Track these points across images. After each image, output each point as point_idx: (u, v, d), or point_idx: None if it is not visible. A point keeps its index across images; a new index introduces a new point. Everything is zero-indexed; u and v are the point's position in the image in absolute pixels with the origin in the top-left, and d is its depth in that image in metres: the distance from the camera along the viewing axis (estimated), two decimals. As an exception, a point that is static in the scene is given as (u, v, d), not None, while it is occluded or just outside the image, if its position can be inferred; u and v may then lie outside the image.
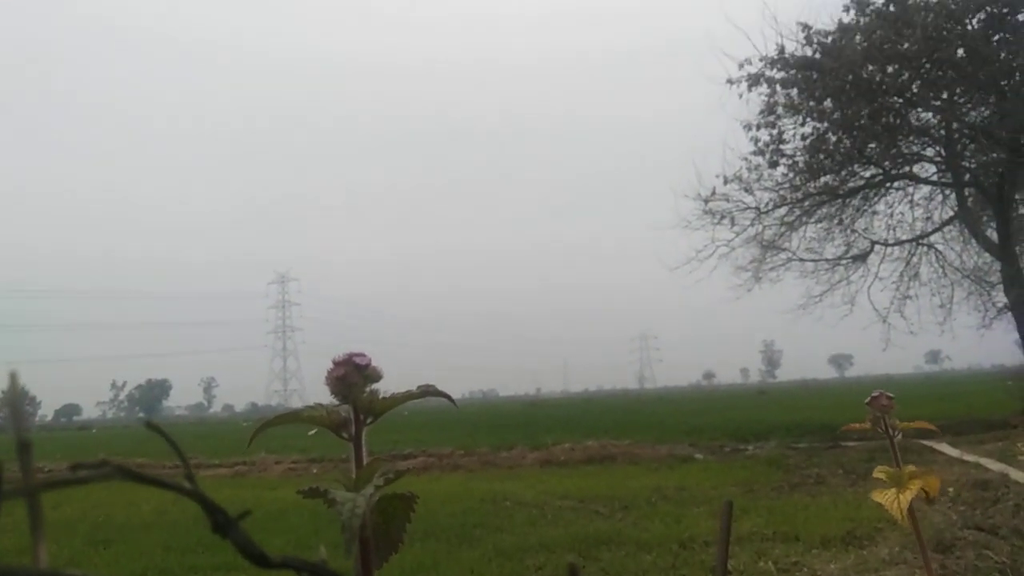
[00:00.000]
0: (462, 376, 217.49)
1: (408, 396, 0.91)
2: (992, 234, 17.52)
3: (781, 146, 17.39)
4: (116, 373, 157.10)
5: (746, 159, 17.67)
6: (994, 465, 8.82)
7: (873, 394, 1.64)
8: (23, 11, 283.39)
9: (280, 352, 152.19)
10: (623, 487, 9.43)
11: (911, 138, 17.85)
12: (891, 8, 15.59)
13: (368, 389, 0.88)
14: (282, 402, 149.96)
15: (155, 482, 0.50)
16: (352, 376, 0.87)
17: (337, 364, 0.89)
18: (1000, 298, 18.17)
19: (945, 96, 16.59)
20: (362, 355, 0.90)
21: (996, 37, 15.65)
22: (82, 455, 20.58)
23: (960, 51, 15.56)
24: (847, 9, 16.24)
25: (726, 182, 17.77)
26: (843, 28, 16.23)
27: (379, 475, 0.86)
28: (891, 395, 1.65)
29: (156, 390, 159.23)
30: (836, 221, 19.02)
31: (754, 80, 16.71)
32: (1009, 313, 17.47)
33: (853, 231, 19.28)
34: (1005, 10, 15.31)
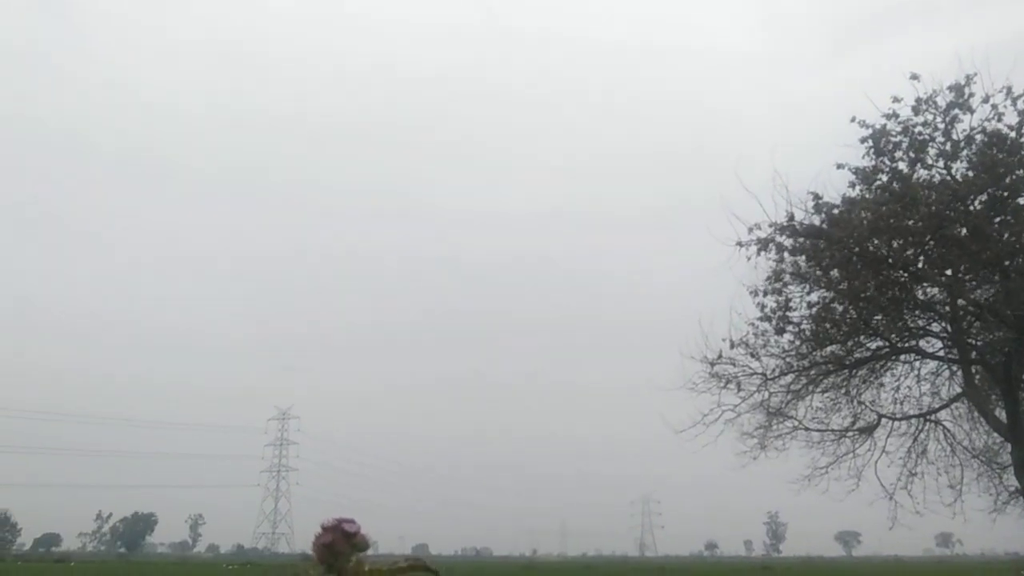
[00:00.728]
0: (456, 530, 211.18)
1: (396, 570, 0.85)
2: (1001, 413, 17.31)
3: (788, 313, 17.50)
4: (102, 503, 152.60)
5: (753, 324, 17.74)
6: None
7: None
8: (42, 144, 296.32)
9: (273, 493, 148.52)
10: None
11: (917, 312, 17.99)
12: (895, 185, 16.08)
13: (355, 558, 0.83)
14: (269, 546, 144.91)
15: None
16: (339, 544, 0.81)
17: (325, 530, 0.83)
18: (1012, 482, 17.75)
19: (950, 272, 16.82)
20: (351, 521, 0.84)
21: (998, 219, 16.06)
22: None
23: (964, 230, 15.91)
24: (853, 185, 16.73)
25: (732, 346, 17.75)
26: (849, 201, 16.69)
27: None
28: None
29: (141, 524, 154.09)
30: (843, 391, 18.90)
31: (763, 245, 16.97)
32: (1021, 498, 17.02)
33: (860, 403, 19.11)
34: (1006, 193, 15.79)
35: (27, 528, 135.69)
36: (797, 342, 17.90)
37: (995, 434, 17.83)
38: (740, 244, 17.18)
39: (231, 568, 46.42)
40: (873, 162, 16.48)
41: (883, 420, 18.95)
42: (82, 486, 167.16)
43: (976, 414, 18.25)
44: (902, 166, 16.30)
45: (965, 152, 15.87)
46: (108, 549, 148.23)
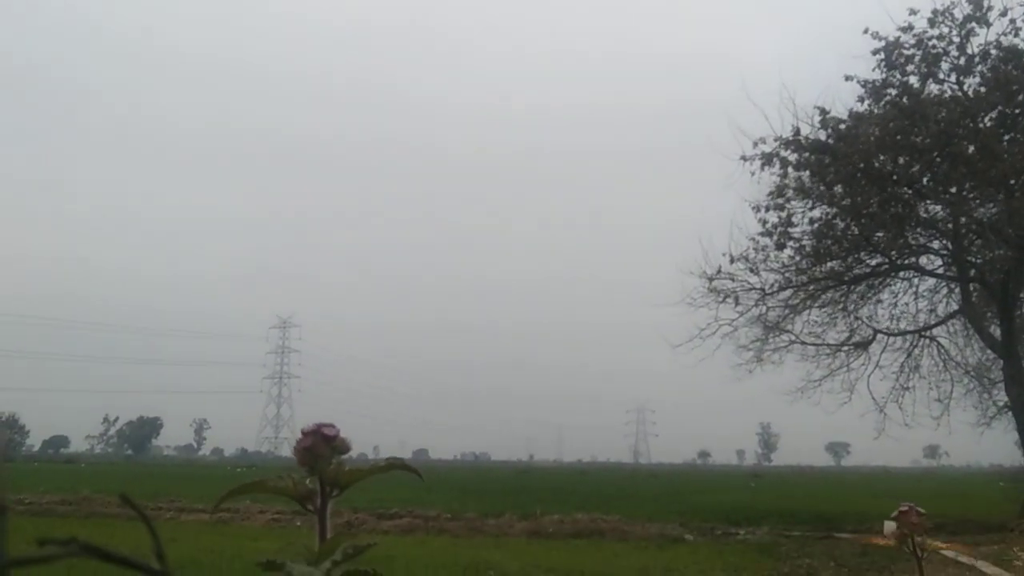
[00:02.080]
0: (455, 436, 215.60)
1: (375, 469, 0.87)
2: (995, 331, 17.46)
3: (789, 229, 17.46)
4: (108, 407, 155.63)
5: (753, 239, 17.75)
6: (990, 569, 8.63)
7: (902, 508, 1.45)
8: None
9: (275, 399, 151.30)
10: (610, 565, 9.24)
11: (919, 229, 17.95)
12: (905, 100, 15.80)
13: (335, 460, 0.85)
14: (272, 450, 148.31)
15: (123, 561, 0.47)
16: (319, 447, 0.84)
17: (305, 434, 0.85)
18: (1001, 397, 18.03)
19: (954, 190, 16.70)
20: (331, 426, 0.86)
21: (1007, 136, 15.84)
22: (69, 489, 20.34)
23: (972, 147, 15.72)
24: (861, 99, 16.43)
25: (732, 261, 17.80)
26: (857, 116, 16.42)
27: (340, 550, 0.84)
28: (922, 511, 1.47)
29: (147, 428, 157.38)
30: (840, 307, 19.03)
31: (767, 159, 16.80)
32: (1009, 413, 17.32)
33: (856, 318, 19.28)
34: (1017, 111, 15.53)
35: (35, 430, 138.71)
36: (797, 257, 17.93)
37: (988, 351, 18.02)
38: (744, 159, 17.01)
39: (240, 471, 48.04)
40: (883, 75, 16.16)
41: (879, 335, 19.15)
42: (90, 390, 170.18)
43: (971, 331, 18.42)
44: (913, 80, 15.99)
45: (979, 68, 15.54)
46: (115, 451, 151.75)
